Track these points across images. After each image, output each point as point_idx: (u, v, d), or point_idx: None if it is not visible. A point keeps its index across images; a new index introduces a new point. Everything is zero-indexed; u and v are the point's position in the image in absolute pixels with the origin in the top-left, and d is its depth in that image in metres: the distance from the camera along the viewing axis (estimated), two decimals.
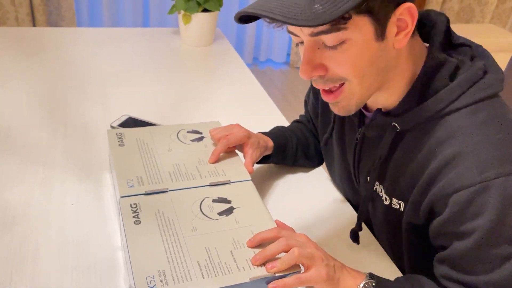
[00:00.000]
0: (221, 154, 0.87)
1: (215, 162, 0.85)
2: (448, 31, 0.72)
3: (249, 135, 0.89)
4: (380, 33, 0.62)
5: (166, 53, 1.58)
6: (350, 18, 0.59)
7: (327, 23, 0.57)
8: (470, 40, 0.73)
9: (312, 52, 0.64)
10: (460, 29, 3.05)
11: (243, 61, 1.59)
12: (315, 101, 0.96)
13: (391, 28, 0.63)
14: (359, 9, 0.59)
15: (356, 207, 0.93)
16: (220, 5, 1.57)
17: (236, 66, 1.55)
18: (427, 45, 0.71)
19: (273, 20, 0.58)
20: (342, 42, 0.62)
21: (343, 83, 0.67)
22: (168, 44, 1.65)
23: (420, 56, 0.70)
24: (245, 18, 0.64)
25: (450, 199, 0.63)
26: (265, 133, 0.97)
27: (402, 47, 0.65)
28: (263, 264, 0.65)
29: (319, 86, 0.68)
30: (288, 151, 0.99)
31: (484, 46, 0.74)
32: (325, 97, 0.70)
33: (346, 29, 0.60)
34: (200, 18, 1.57)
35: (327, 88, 0.68)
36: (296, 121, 1.08)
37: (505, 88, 0.70)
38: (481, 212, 0.61)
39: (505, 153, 0.62)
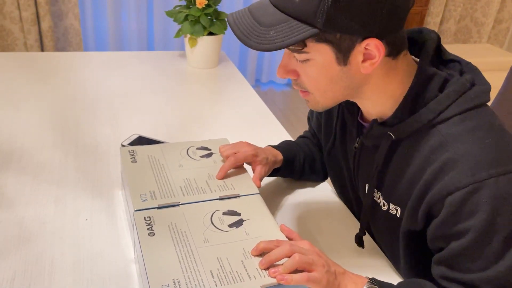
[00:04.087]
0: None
1: (223, 178, 0.88)
2: (439, 48, 0.76)
3: (256, 153, 0.93)
4: (342, 59, 0.68)
5: (173, 75, 1.63)
6: (305, 46, 0.67)
7: (273, 50, 0.65)
8: (459, 57, 0.78)
9: (287, 59, 0.73)
10: (457, 49, 3.12)
11: None
12: (318, 113, 1.00)
13: (356, 56, 0.68)
14: (317, 38, 0.65)
15: (358, 214, 0.95)
16: (225, 28, 1.62)
17: (241, 87, 1.59)
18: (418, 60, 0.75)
19: (235, 34, 0.67)
20: (307, 60, 0.69)
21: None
22: (175, 67, 1.70)
23: (408, 72, 0.73)
24: None
25: (445, 200, 0.67)
26: (274, 147, 1.01)
27: (369, 73, 0.70)
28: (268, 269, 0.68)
29: (294, 86, 0.76)
30: (296, 165, 1.02)
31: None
32: (300, 94, 0.77)
33: (308, 52, 0.68)
34: (205, 41, 1.62)
35: (300, 89, 0.76)
36: (301, 137, 1.11)
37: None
38: (475, 211, 0.65)
39: (494, 156, 0.66)
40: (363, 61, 0.68)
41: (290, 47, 0.67)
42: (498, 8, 3.46)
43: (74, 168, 1.05)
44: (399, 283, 0.73)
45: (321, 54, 0.67)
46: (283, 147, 1.02)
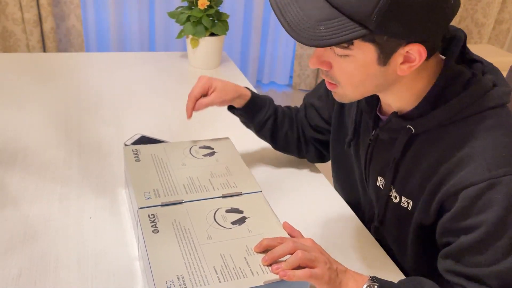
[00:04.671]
0: (232, 166, 0.92)
1: (190, 117, 0.97)
2: (464, 47, 0.76)
3: (211, 83, 0.97)
4: (383, 59, 0.67)
5: (175, 76, 1.64)
6: (352, 44, 0.66)
7: (322, 47, 0.64)
8: (481, 57, 0.78)
9: (323, 49, 0.72)
10: None
11: None
12: (329, 101, 1.01)
13: (397, 58, 0.68)
14: (365, 38, 0.64)
15: (363, 209, 0.96)
16: (226, 29, 1.63)
17: None
18: (443, 57, 0.75)
19: (282, 25, 0.65)
20: (346, 55, 0.68)
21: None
22: (177, 67, 1.71)
23: (434, 70, 0.74)
24: None
25: (460, 195, 0.68)
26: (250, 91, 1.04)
27: (405, 75, 0.70)
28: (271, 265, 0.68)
29: (323, 76, 0.76)
30: (260, 115, 1.04)
31: None
32: (327, 85, 0.77)
33: (351, 49, 0.67)
34: (207, 42, 1.63)
35: (328, 81, 0.76)
36: (286, 107, 1.12)
37: None
38: (488, 207, 0.65)
39: (511, 154, 0.67)
40: (402, 63, 0.68)
41: None
42: (499, 9, 3.47)
43: (78, 167, 1.07)
44: (400, 281, 0.74)
45: (363, 52, 0.67)
46: (258, 94, 1.05)
